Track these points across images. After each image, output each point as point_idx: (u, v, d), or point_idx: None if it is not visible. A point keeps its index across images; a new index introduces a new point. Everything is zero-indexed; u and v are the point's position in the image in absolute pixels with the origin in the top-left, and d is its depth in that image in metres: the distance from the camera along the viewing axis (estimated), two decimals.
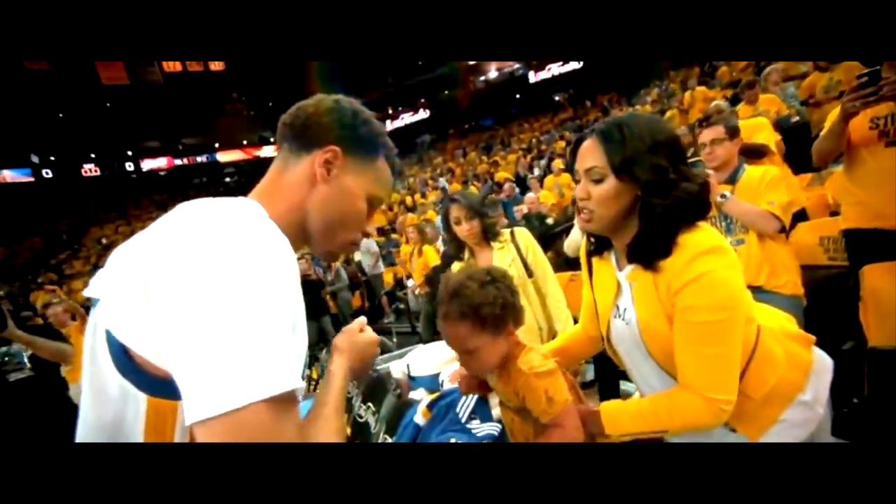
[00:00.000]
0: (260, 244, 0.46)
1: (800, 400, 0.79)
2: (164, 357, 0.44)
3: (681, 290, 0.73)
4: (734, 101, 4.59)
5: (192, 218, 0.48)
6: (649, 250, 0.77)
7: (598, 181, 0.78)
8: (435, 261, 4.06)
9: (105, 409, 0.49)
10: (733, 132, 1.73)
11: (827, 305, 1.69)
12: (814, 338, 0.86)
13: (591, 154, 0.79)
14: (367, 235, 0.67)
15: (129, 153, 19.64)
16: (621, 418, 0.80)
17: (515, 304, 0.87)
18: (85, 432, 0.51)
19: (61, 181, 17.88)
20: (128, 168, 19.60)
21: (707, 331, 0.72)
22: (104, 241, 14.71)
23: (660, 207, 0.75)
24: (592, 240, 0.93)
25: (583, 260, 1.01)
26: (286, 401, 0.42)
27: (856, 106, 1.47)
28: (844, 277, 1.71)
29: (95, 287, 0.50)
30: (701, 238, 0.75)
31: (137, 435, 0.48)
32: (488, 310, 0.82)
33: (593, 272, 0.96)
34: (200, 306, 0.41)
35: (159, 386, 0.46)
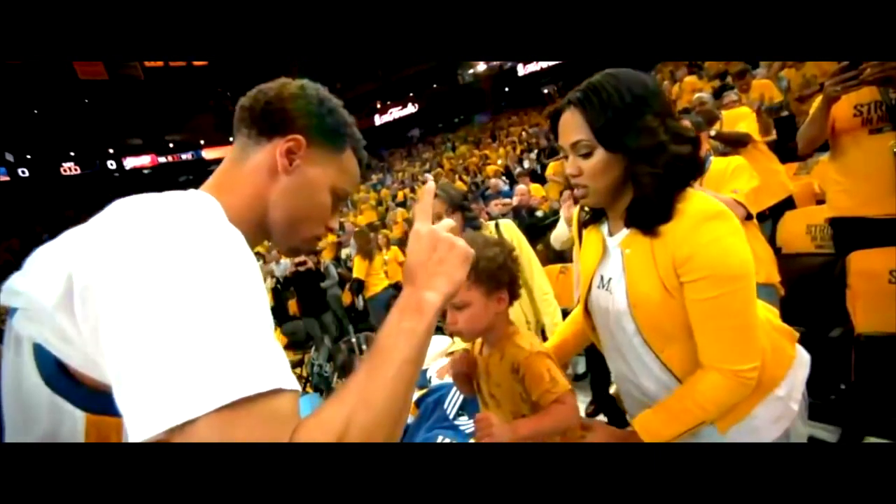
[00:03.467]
0: (202, 238, 0.40)
1: (775, 395, 0.77)
2: (103, 368, 0.38)
3: (688, 259, 0.69)
4: (722, 90, 4.61)
5: (131, 213, 0.42)
6: (649, 215, 0.73)
7: (587, 155, 0.74)
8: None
9: (33, 429, 0.43)
10: (697, 128, 1.79)
11: (814, 293, 1.70)
12: (797, 333, 0.84)
13: (573, 127, 0.75)
14: (331, 230, 0.63)
15: (111, 151, 19.17)
16: (656, 427, 0.76)
17: (512, 270, 0.89)
18: None
19: (39, 180, 17.39)
20: (110, 166, 19.13)
21: (725, 303, 0.69)
22: None
23: (648, 176, 0.71)
24: (587, 209, 0.89)
25: (575, 234, 0.98)
26: (253, 403, 0.35)
27: (837, 90, 1.46)
28: (832, 265, 1.72)
29: (13, 294, 0.43)
30: (703, 204, 0.72)
31: None
32: (485, 264, 0.84)
33: (583, 243, 0.93)
34: (136, 307, 0.36)
35: (99, 401, 0.40)
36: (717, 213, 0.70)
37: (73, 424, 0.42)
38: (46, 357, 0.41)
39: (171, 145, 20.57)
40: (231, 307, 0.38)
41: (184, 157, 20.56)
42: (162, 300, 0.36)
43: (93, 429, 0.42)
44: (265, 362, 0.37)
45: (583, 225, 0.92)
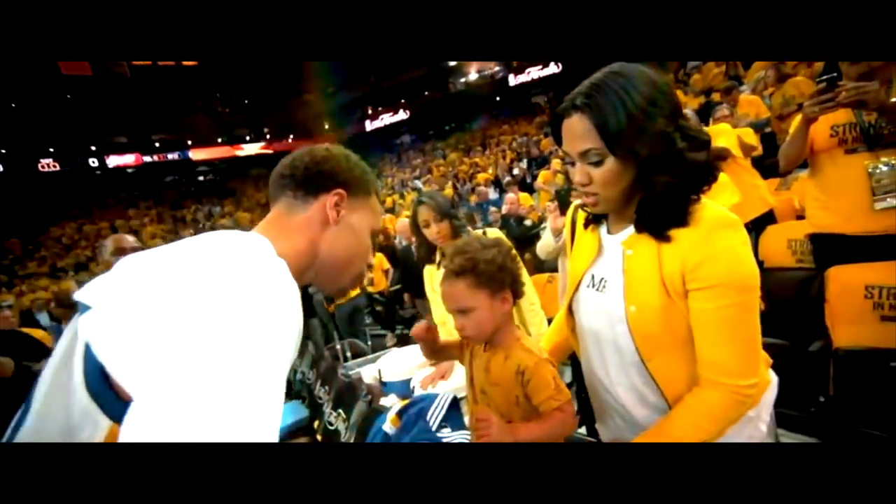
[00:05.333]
0: (271, 292, 0.46)
1: (747, 416, 0.75)
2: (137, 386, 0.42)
3: (699, 265, 0.67)
4: (706, 107, 4.73)
5: (209, 251, 0.49)
6: (662, 219, 0.70)
7: (597, 163, 0.70)
8: None
9: (54, 426, 0.45)
10: None
11: (795, 307, 1.73)
12: (771, 360, 0.84)
13: (580, 134, 0.69)
14: (369, 267, 0.71)
15: (93, 148, 18.65)
16: None
17: (514, 270, 0.88)
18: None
19: (15, 176, 16.81)
20: (91, 164, 18.61)
21: (733, 314, 0.67)
22: (64, 240, 13.93)
23: (664, 185, 0.69)
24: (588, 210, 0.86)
25: (567, 236, 0.96)
26: None
27: (815, 111, 1.50)
28: (812, 280, 1.76)
29: (90, 293, 0.46)
30: (717, 211, 0.70)
31: None
32: (484, 267, 0.84)
33: (575, 242, 0.91)
34: (188, 343, 0.40)
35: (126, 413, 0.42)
36: (731, 222, 0.69)
37: (94, 430, 0.44)
38: (93, 360, 0.43)
39: (157, 145, 20.15)
40: (261, 368, 0.42)
41: (170, 157, 20.13)
42: (210, 351, 0.40)
43: (111, 438, 0.44)
44: (267, 420, 0.41)
45: (583, 225, 0.89)
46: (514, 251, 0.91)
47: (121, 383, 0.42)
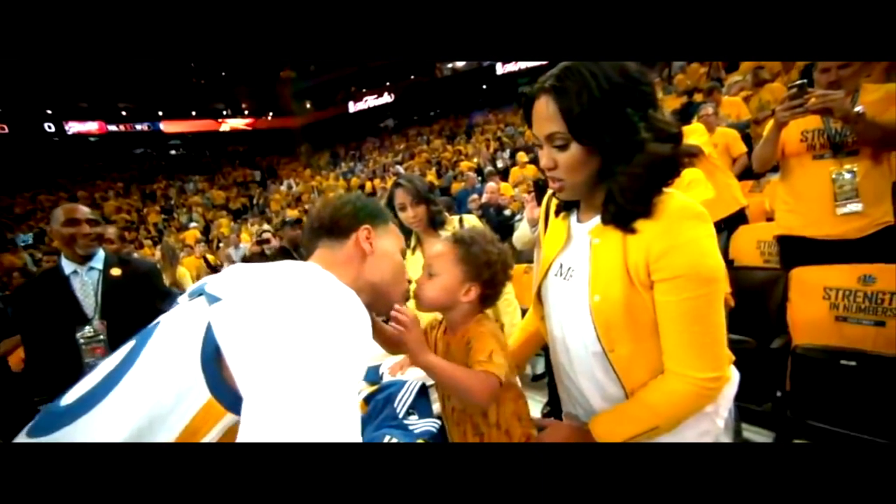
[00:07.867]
0: (357, 313, 0.55)
1: (704, 411, 0.75)
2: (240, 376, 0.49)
3: (663, 256, 0.66)
4: (688, 107, 4.82)
5: (303, 277, 0.58)
6: (625, 213, 0.70)
7: (563, 147, 0.69)
8: None
9: (165, 394, 0.50)
10: None
11: (762, 305, 1.79)
12: (733, 357, 0.84)
13: (546, 117, 0.69)
14: (410, 282, 0.86)
15: (49, 112, 17.26)
16: (609, 428, 0.75)
17: (497, 276, 0.90)
18: (113, 410, 0.51)
19: None
20: (47, 129, 17.24)
21: (696, 306, 0.67)
22: (17, 210, 13.04)
23: (624, 175, 0.68)
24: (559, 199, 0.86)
25: (541, 222, 0.95)
26: None
27: (785, 116, 1.54)
28: (777, 280, 1.82)
29: (218, 287, 0.57)
30: (683, 202, 0.69)
31: (174, 428, 0.50)
32: (476, 251, 0.88)
33: (548, 229, 0.91)
34: (290, 347, 0.47)
35: (225, 393, 0.50)
36: (697, 213, 0.68)
37: (197, 396, 0.50)
38: (212, 339, 0.51)
39: (123, 113, 18.93)
40: (348, 375, 0.49)
41: (138, 127, 18.96)
42: (299, 362, 0.47)
43: (204, 410, 0.50)
44: (351, 420, 0.47)
45: (555, 213, 0.88)
46: (511, 271, 0.92)
47: (230, 365, 0.50)
